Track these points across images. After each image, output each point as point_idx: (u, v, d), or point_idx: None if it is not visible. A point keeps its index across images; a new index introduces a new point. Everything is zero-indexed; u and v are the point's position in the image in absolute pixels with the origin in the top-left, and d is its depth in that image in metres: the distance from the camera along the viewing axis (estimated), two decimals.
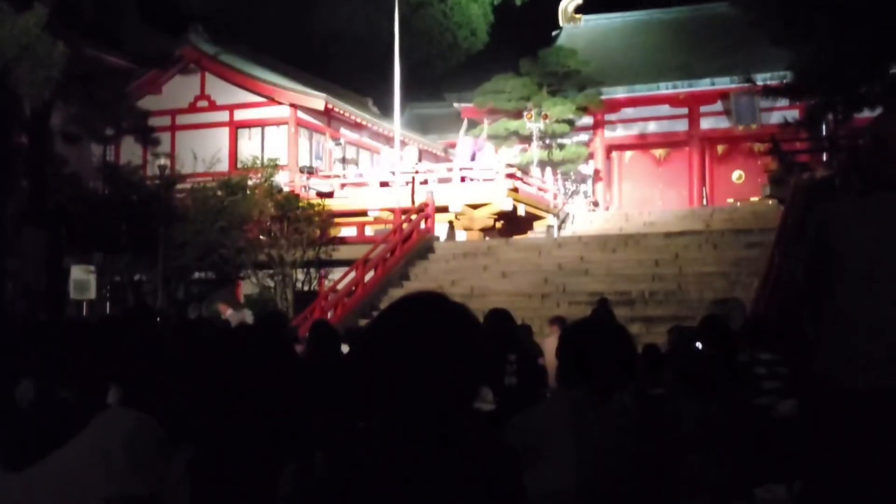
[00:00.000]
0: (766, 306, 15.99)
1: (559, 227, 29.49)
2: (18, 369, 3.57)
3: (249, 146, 31.59)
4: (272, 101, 31.74)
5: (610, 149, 37.16)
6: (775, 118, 26.16)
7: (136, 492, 2.37)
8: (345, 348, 8.69)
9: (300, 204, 25.20)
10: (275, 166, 26.91)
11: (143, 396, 3.13)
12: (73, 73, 18.71)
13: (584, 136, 35.66)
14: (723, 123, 35.01)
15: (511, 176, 28.23)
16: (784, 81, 19.92)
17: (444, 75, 43.39)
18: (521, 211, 28.23)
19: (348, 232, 27.55)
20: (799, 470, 4.60)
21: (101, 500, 2.34)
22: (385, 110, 36.05)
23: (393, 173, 28.27)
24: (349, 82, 38.47)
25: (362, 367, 2.14)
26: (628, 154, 37.66)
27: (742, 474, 5.19)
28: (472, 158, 29.67)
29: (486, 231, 27.89)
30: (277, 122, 31.98)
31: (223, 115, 32.49)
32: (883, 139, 3.41)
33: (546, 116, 32.73)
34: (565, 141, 34.16)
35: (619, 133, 36.90)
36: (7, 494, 2.38)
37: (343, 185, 29.49)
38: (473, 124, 34.83)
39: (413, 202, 26.75)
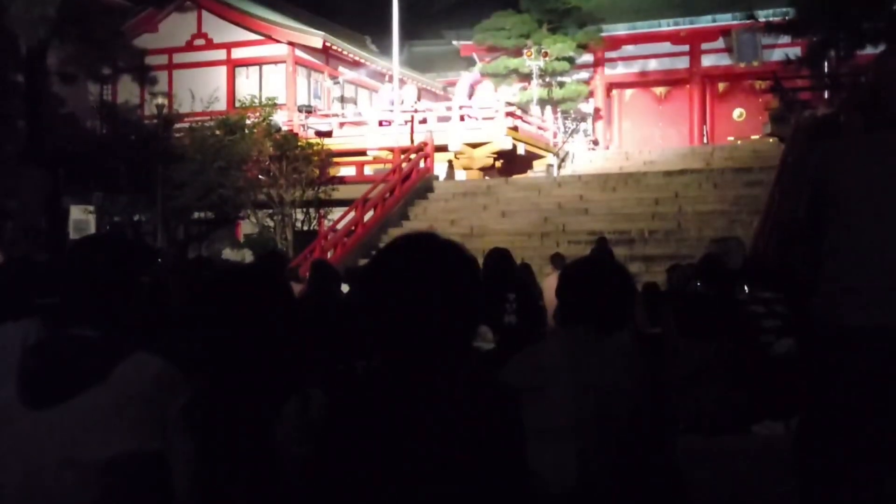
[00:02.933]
0: (765, 245, 16.01)
1: (559, 167, 29.38)
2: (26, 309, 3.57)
3: (247, 85, 31.36)
4: (270, 39, 31.45)
5: (610, 87, 36.91)
6: (777, 55, 25.93)
7: (152, 447, 2.38)
8: (344, 288, 8.72)
9: (299, 143, 25.09)
10: (273, 105, 26.75)
11: (142, 336, 3.12)
12: (68, 12, 18.54)
13: (584, 74, 35.37)
14: (724, 61, 34.73)
15: (510, 115, 28.06)
16: (786, 18, 19.73)
17: (444, 12, 42.91)
18: (521, 150, 28.11)
19: (347, 171, 27.44)
20: (796, 407, 4.64)
21: (116, 453, 2.35)
22: (384, 48, 35.73)
23: (391, 111, 28.11)
24: (347, 20, 38.08)
25: (361, 307, 2.14)
26: (629, 92, 37.42)
27: (740, 412, 5.23)
28: (470, 96, 29.46)
29: (485, 170, 27.79)
30: (275, 61, 31.73)
31: (220, 54, 32.22)
32: (886, 76, 3.38)
33: (546, 54, 32.43)
34: (565, 79, 33.90)
35: (620, 71, 36.63)
36: (25, 432, 2.39)
37: (342, 125, 29.34)
38: (472, 62, 34.57)
39: (412, 141, 26.62)
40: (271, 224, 24.38)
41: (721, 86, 36.29)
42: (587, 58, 35.06)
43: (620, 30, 34.56)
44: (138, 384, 2.41)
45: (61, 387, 2.40)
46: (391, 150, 26.87)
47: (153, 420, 2.39)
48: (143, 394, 2.40)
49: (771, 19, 20.66)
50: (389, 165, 26.04)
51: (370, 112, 29.87)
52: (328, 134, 28.10)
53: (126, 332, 2.58)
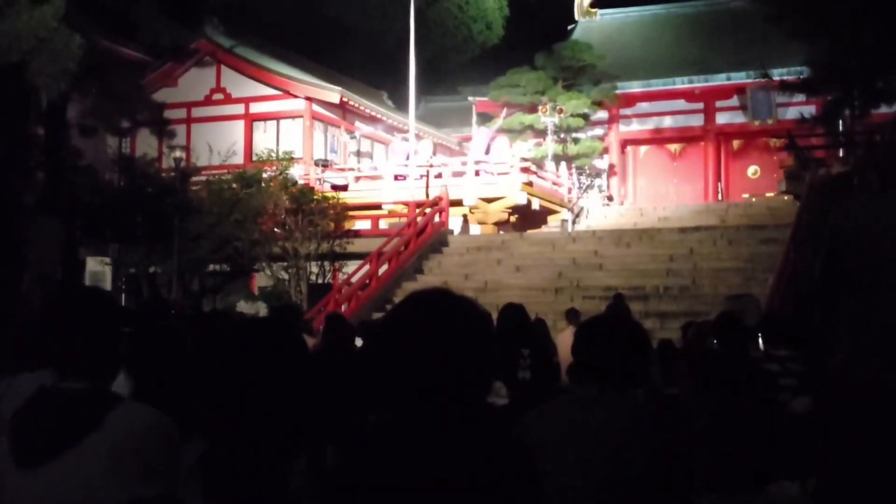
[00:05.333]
0: (780, 302, 15.95)
1: (573, 222, 29.46)
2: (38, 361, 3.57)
3: (265, 139, 31.67)
4: (287, 94, 31.80)
5: (625, 143, 37.08)
6: (791, 113, 26.07)
7: (145, 494, 2.38)
8: (358, 342, 8.70)
9: (315, 197, 25.26)
10: (290, 159, 27.01)
11: (155, 390, 3.12)
12: (89, 66, 18.75)
13: (598, 131, 35.61)
14: (738, 118, 34.89)
15: (525, 170, 28.21)
16: (800, 77, 19.82)
17: (459, 69, 43.35)
18: (536, 205, 28.21)
19: (362, 225, 27.58)
20: (812, 467, 4.59)
21: (112, 502, 2.35)
22: (400, 104, 36.07)
23: (406, 165, 28.28)
24: (364, 75, 38.51)
25: (375, 361, 2.14)
26: (643, 149, 37.58)
27: (755, 471, 5.18)
28: (487, 151, 29.66)
29: (500, 225, 27.88)
30: (292, 115, 32.05)
31: (238, 108, 32.57)
32: None
33: (561, 111, 32.68)
34: (580, 135, 34.11)
35: (634, 127, 36.81)
36: (21, 493, 2.39)
37: (358, 179, 29.55)
38: (487, 118, 34.83)
39: (427, 196, 26.75)
40: (286, 277, 24.45)
41: (735, 143, 36.42)
42: (602, 114, 35.27)
43: (635, 87, 34.79)
44: (129, 433, 2.42)
45: (51, 443, 2.41)
46: (406, 204, 27.00)
47: (147, 467, 2.40)
48: (135, 442, 2.41)
49: (785, 78, 20.74)
50: (404, 219, 26.14)
51: (386, 166, 30.06)
52: (344, 188, 28.30)
53: (111, 382, 2.61)
